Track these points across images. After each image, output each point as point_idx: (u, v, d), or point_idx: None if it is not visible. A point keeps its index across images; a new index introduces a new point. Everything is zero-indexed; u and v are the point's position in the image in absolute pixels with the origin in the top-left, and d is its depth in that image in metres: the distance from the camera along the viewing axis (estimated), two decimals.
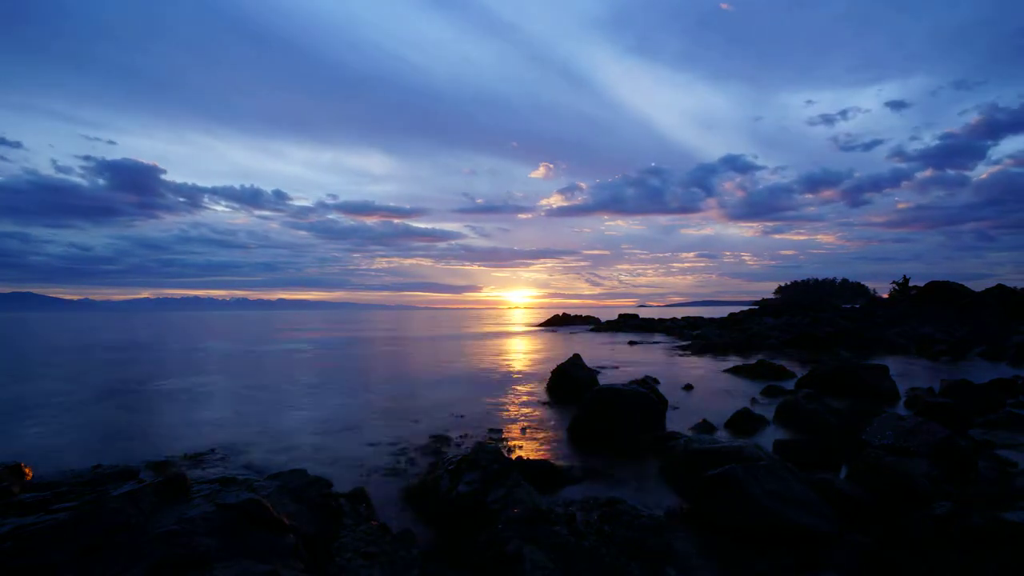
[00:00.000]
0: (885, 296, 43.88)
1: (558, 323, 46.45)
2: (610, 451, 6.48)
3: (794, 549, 3.62)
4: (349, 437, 7.39)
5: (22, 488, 4.38)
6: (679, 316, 47.82)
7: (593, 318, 47.14)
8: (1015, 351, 15.52)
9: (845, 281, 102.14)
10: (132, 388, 12.01)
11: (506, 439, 7.15)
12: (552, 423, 8.29)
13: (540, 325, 47.29)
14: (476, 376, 13.91)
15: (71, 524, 3.02)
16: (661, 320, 41.18)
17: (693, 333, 28.09)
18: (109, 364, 17.27)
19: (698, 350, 20.06)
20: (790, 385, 11.01)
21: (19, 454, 6.30)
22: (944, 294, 30.36)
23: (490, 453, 5.00)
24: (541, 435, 7.55)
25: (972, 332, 20.42)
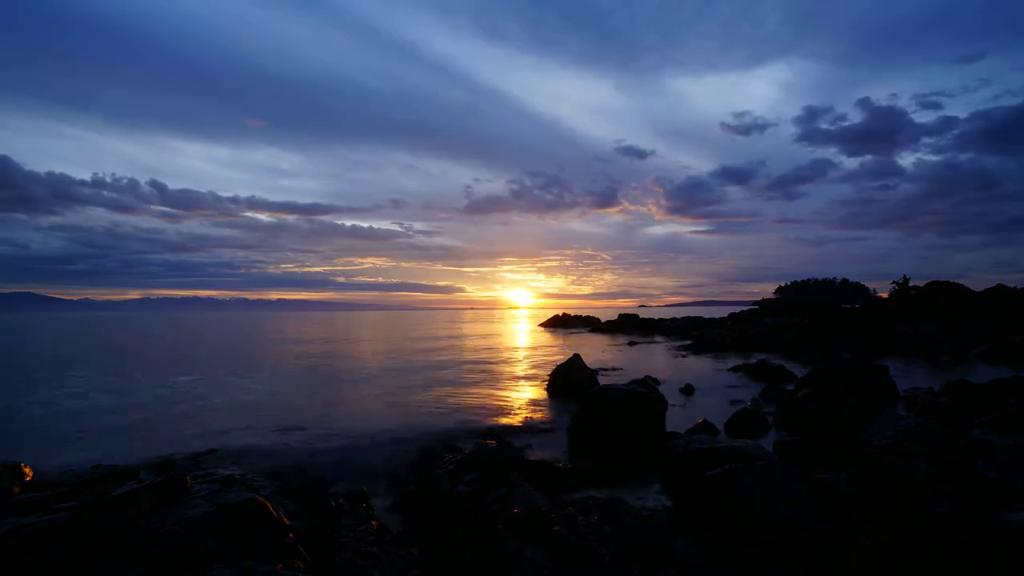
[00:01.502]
0: (885, 296, 43.88)
1: (558, 323, 46.46)
2: (610, 451, 6.48)
3: (794, 549, 3.62)
4: (349, 437, 7.38)
5: (22, 488, 4.38)
6: (679, 316, 47.79)
7: (593, 318, 47.14)
8: (1015, 351, 15.51)
9: (845, 281, 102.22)
10: (142, 388, 12.01)
11: (506, 439, 7.15)
12: (552, 423, 8.29)
13: (540, 325, 47.31)
14: (476, 376, 13.91)
15: (71, 524, 3.02)
16: (661, 320, 41.16)
17: (693, 333, 28.10)
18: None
19: (698, 350, 20.06)
20: (790, 385, 11.01)
21: (19, 454, 6.30)
22: (944, 294, 30.35)
23: (490, 453, 5.00)
24: (541, 435, 7.55)
25: (972, 332, 20.40)
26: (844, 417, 7.28)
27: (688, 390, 10.86)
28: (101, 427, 8.13)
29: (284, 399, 10.49)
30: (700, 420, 7.71)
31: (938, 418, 6.43)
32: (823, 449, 5.85)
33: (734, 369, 13.87)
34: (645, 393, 7.32)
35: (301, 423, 8.32)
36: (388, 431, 7.73)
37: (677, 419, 8.17)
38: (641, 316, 43.54)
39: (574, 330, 40.47)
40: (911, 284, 34.91)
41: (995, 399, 8.30)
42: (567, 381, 10.40)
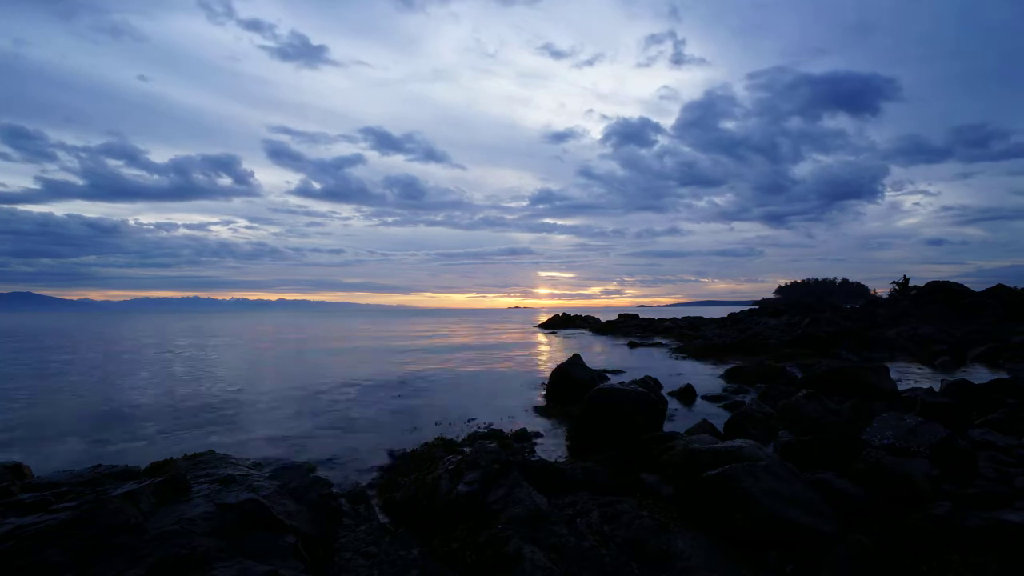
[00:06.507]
0: (884, 295, 43.91)
1: (558, 324, 46.44)
2: (610, 451, 6.47)
3: (794, 549, 3.62)
4: (349, 437, 7.39)
5: (22, 488, 4.38)
6: (679, 316, 47.83)
7: (593, 319, 47.14)
8: (1015, 351, 15.50)
9: (845, 281, 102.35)
10: (138, 389, 12.01)
11: (506, 439, 7.15)
12: (552, 423, 8.29)
13: (539, 327, 47.33)
14: (476, 377, 13.91)
15: (71, 524, 3.02)
16: (661, 321, 41.18)
17: (693, 334, 28.08)
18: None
19: (698, 351, 20.05)
20: (790, 386, 11.00)
21: (19, 454, 6.31)
22: (944, 294, 30.37)
23: (490, 453, 5.00)
24: (541, 435, 7.55)
25: (972, 332, 20.41)
26: (844, 417, 7.28)
27: (688, 391, 10.86)
28: (101, 427, 8.13)
29: (282, 400, 10.49)
30: (700, 420, 7.70)
31: (938, 418, 6.43)
32: (823, 449, 5.84)
33: (734, 370, 13.86)
34: (645, 393, 7.32)
35: (301, 424, 8.32)
36: (388, 432, 7.73)
37: (677, 419, 8.17)
38: (641, 317, 43.62)
39: (574, 331, 40.46)
40: (911, 284, 34.95)
41: (995, 399, 8.30)
42: (567, 381, 10.39)
